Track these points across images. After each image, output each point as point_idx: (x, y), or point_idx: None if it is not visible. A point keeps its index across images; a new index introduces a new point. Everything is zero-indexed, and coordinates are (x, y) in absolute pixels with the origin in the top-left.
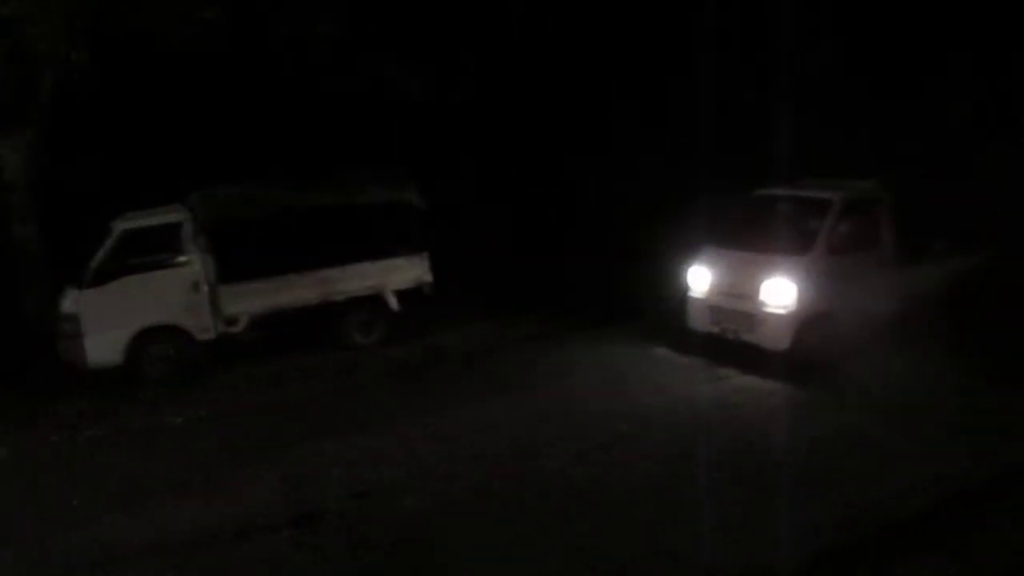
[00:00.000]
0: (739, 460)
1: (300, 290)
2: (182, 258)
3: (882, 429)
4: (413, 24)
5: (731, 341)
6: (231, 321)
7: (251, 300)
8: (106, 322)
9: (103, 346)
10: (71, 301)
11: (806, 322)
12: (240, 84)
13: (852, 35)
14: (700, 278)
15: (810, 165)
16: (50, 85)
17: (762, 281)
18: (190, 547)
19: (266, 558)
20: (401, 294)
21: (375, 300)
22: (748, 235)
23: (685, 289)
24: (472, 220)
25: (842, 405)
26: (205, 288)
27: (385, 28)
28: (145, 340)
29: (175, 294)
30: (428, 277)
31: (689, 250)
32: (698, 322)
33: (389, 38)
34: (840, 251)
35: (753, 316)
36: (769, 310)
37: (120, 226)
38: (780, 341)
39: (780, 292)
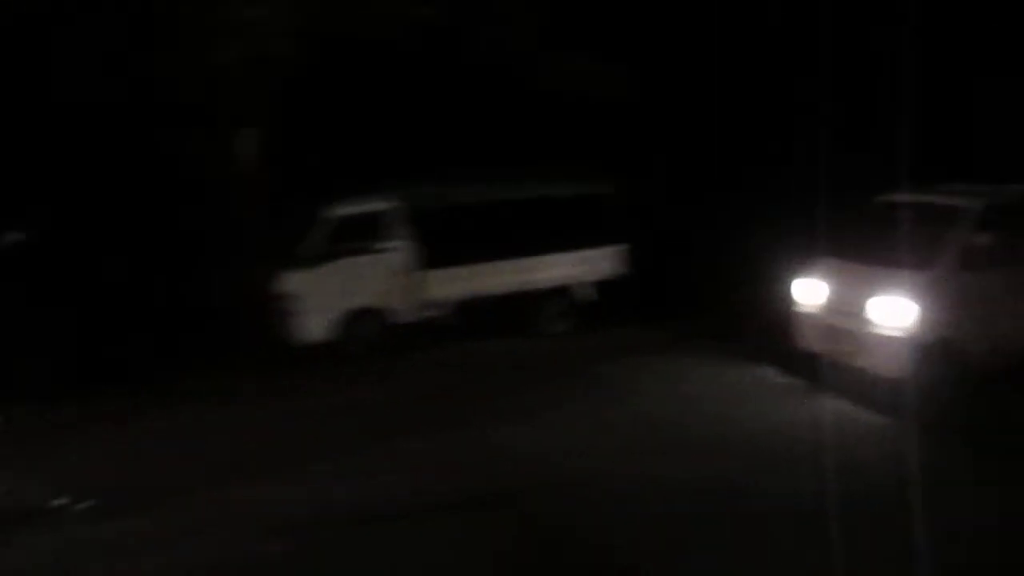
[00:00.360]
0: (806, 496)
1: (498, 278)
2: (389, 245)
3: (971, 487)
4: (609, 22)
5: (841, 364)
6: (432, 306)
7: (452, 286)
8: (319, 302)
9: (316, 324)
10: (290, 282)
11: (927, 347)
12: (444, 80)
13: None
14: (809, 292)
15: (956, 168)
16: (279, 84)
17: (877, 298)
18: (360, 520)
19: (438, 536)
20: (599, 285)
21: (569, 290)
22: (866, 246)
23: (792, 304)
24: (662, 218)
25: (945, 449)
26: (410, 274)
27: (583, 26)
28: (353, 320)
29: (382, 279)
30: (622, 270)
31: (801, 260)
32: (806, 341)
33: (586, 37)
34: (976, 267)
35: (865, 337)
36: (883, 332)
37: (334, 213)
38: (895, 368)
39: (897, 311)
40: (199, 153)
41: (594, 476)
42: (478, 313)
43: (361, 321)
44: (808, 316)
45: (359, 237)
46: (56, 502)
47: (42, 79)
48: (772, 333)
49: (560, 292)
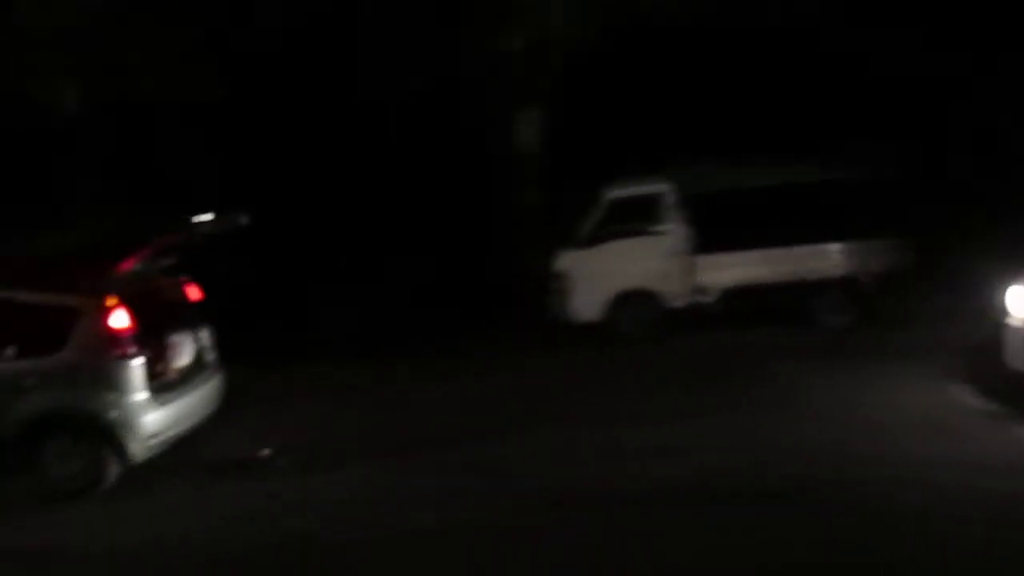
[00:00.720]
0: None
1: (770, 266)
2: (662, 227)
3: None
4: None
5: None
6: (702, 292)
7: (723, 272)
8: (590, 282)
9: (586, 303)
10: (563, 261)
11: None
12: (728, 57)
13: None
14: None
15: None
16: (560, 65)
17: None
18: (652, 502)
19: (736, 522)
20: (882, 279)
21: (847, 282)
22: None
23: (1005, 315)
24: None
25: None
26: (681, 258)
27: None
28: (623, 302)
29: (653, 261)
30: (906, 263)
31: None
32: (1017, 359)
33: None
34: None
35: None
36: None
37: (609, 194)
38: None
39: None
40: (483, 135)
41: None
42: (749, 301)
43: (631, 303)
44: (1018, 329)
45: (633, 219)
46: (264, 453)
47: (345, 69)
48: (980, 348)
49: (836, 284)
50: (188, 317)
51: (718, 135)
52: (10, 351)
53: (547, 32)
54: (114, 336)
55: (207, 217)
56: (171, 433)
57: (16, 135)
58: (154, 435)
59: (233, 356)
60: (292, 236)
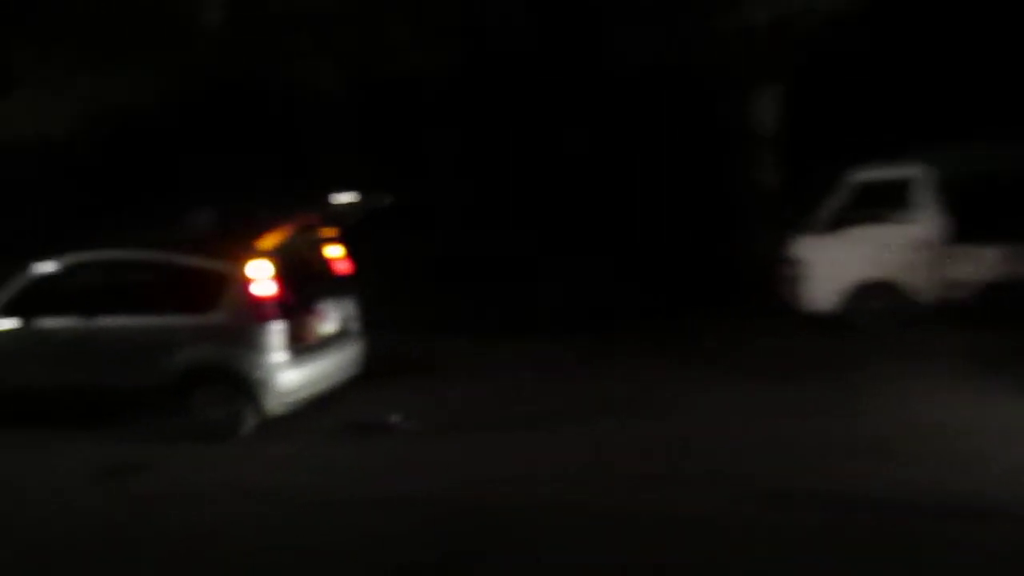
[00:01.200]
0: None
1: None
2: (913, 214)
3: None
4: None
5: None
6: (956, 286)
7: (980, 267)
8: (827, 270)
9: (821, 293)
10: (798, 246)
11: None
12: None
13: None
14: None
15: None
16: (804, 38)
17: None
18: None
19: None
20: None
21: None
22: None
23: None
24: None
25: None
26: (933, 248)
27: None
28: (863, 294)
29: (900, 251)
30: None
31: None
32: None
33: None
34: None
35: None
36: None
37: (854, 177)
38: None
39: None
40: (720, 112)
41: None
42: (1010, 300)
43: (872, 296)
44: None
45: (880, 204)
46: (393, 418)
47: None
48: None
49: None
50: (336, 287)
51: (982, 114)
52: (172, 308)
53: (794, 4)
54: (259, 301)
55: (349, 197)
56: (306, 393)
57: (273, 114)
58: (290, 393)
59: (439, 326)
60: (525, 209)
